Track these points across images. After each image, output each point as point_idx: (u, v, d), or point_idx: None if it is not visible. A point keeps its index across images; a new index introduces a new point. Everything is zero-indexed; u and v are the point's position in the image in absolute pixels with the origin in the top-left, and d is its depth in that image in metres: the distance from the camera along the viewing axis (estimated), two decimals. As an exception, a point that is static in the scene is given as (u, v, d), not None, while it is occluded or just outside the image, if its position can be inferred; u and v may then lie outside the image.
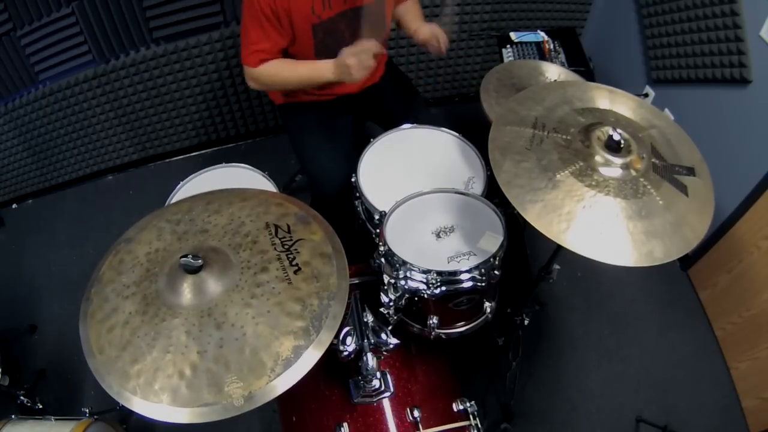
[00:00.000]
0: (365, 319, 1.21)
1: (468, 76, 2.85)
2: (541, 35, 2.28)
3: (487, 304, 1.36)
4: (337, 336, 1.03)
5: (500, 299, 1.42)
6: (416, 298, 1.29)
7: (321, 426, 1.30)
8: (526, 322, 1.70)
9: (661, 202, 1.11)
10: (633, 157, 1.14)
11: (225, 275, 0.99)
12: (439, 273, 1.22)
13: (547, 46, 2.24)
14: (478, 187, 1.49)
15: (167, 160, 2.73)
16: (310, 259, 1.04)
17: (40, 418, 1.58)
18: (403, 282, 1.25)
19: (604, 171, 1.13)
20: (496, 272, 1.25)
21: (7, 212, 2.64)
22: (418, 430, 1.24)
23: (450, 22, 1.67)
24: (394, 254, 1.26)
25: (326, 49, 1.58)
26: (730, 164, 1.83)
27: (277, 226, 1.09)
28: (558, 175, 1.12)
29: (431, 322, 1.32)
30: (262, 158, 2.36)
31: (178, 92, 2.43)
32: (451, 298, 1.27)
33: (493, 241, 1.29)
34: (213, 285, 0.98)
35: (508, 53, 2.22)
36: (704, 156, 1.25)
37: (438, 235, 1.33)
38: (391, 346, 1.20)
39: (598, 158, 1.14)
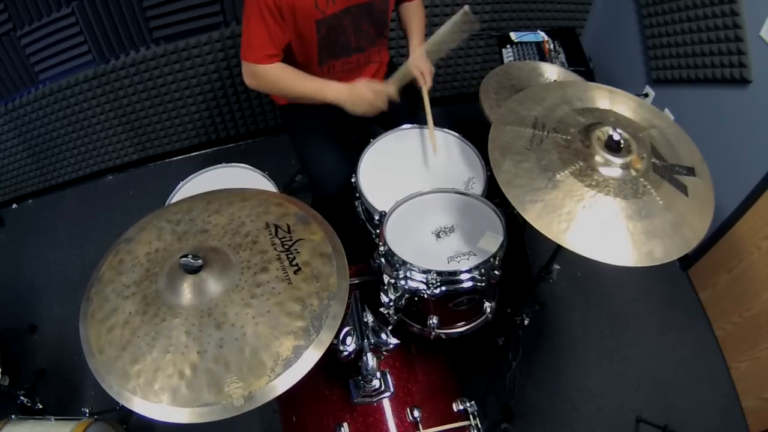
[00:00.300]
0: (365, 319, 1.21)
1: (468, 76, 2.85)
2: (541, 35, 2.28)
3: (487, 304, 1.36)
4: (337, 336, 1.03)
5: (500, 299, 1.42)
6: (416, 298, 1.29)
7: (321, 426, 1.29)
8: (526, 322, 1.70)
9: (661, 202, 1.11)
10: (633, 157, 1.14)
11: (225, 275, 0.99)
12: (439, 273, 1.22)
13: (547, 46, 2.24)
14: (478, 187, 1.49)
15: (167, 160, 2.73)
16: (310, 259, 1.04)
17: (40, 418, 1.58)
18: (403, 282, 1.25)
19: (604, 171, 1.13)
20: (496, 272, 1.25)
21: (7, 212, 2.64)
22: (418, 430, 1.24)
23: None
24: (394, 254, 1.26)
25: (329, 45, 1.58)
26: (730, 164, 1.83)
27: (277, 226, 1.09)
28: (558, 175, 1.12)
29: (431, 322, 1.32)
30: (262, 158, 2.36)
31: (178, 92, 2.43)
32: (451, 298, 1.27)
33: (493, 241, 1.29)
34: (213, 285, 0.98)
35: (508, 53, 2.22)
36: (704, 156, 1.24)
37: (438, 235, 1.33)
38: (391, 346, 1.20)
39: (598, 158, 1.14)
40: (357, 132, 2.08)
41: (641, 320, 2.14)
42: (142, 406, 0.88)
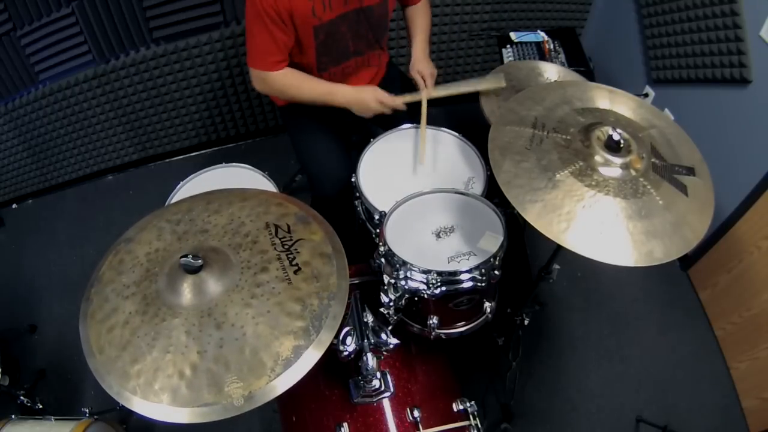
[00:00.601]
0: (365, 319, 1.21)
1: (468, 76, 2.85)
2: (541, 35, 2.28)
3: (487, 304, 1.36)
4: (337, 336, 1.03)
5: (500, 299, 1.42)
6: (416, 298, 1.29)
7: (321, 426, 1.30)
8: (526, 322, 1.70)
9: (661, 202, 1.11)
10: (633, 157, 1.14)
11: (225, 275, 0.99)
12: (439, 273, 1.22)
13: (547, 46, 2.23)
14: (478, 187, 1.49)
15: (167, 160, 2.73)
16: (310, 259, 1.04)
17: (40, 418, 1.58)
18: (403, 282, 1.25)
19: (604, 171, 1.14)
20: (496, 272, 1.25)
21: (7, 212, 2.64)
22: (418, 430, 1.24)
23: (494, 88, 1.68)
24: (394, 254, 1.26)
25: (327, 51, 1.58)
26: (730, 164, 1.83)
27: (277, 226, 1.09)
28: (558, 175, 1.12)
29: (431, 322, 1.32)
30: (262, 158, 2.36)
31: (178, 92, 2.43)
32: (451, 298, 1.27)
33: (493, 241, 1.29)
34: (213, 285, 0.98)
35: (508, 53, 2.22)
36: (704, 156, 1.24)
37: (438, 235, 1.33)
38: (391, 346, 1.20)
39: (598, 158, 1.14)
40: (357, 132, 2.08)
41: (641, 320, 2.14)
42: (142, 406, 0.88)
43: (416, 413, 1.25)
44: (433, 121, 1.68)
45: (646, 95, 2.30)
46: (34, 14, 2.03)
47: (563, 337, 2.09)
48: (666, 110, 2.13)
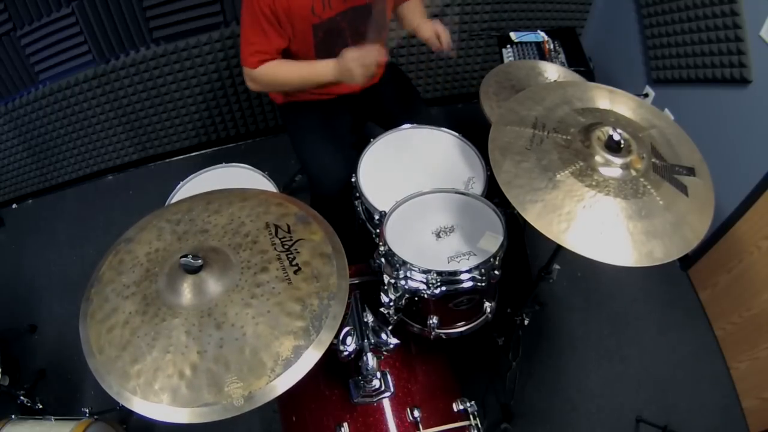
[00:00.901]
0: (365, 319, 1.21)
1: (468, 76, 2.85)
2: (541, 35, 2.28)
3: (487, 304, 1.36)
4: (337, 336, 1.03)
5: (500, 299, 1.42)
6: (416, 298, 1.29)
7: (321, 426, 1.30)
8: (526, 322, 1.70)
9: (661, 202, 1.11)
10: (633, 157, 1.14)
11: (225, 275, 0.99)
12: (439, 273, 1.22)
13: (547, 46, 2.23)
14: (478, 187, 1.49)
15: (167, 160, 2.73)
16: (310, 259, 1.04)
17: (40, 418, 1.58)
18: (403, 282, 1.25)
19: (604, 171, 1.13)
20: (496, 272, 1.25)
21: (7, 212, 2.64)
22: (418, 430, 1.24)
23: (452, 23, 1.66)
24: (394, 254, 1.26)
25: (327, 49, 1.58)
26: (730, 164, 1.83)
27: (277, 226, 1.09)
28: (558, 175, 1.12)
29: (431, 322, 1.32)
30: (262, 158, 2.36)
31: (178, 92, 2.43)
32: (451, 298, 1.27)
33: (493, 241, 1.29)
34: (213, 285, 0.98)
35: (508, 53, 2.22)
36: (704, 156, 1.24)
37: (438, 235, 1.33)
38: (391, 346, 1.20)
39: (598, 158, 1.14)
40: (357, 132, 2.08)
41: (641, 320, 2.14)
42: (142, 406, 0.88)
43: (416, 413, 1.25)
44: (433, 122, 1.69)
45: (646, 95, 2.30)
46: (34, 14, 2.03)
47: (563, 337, 2.09)
48: (666, 110, 2.13)
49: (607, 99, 1.33)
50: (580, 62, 2.20)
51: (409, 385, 1.34)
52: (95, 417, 1.60)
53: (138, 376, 0.90)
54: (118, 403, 0.89)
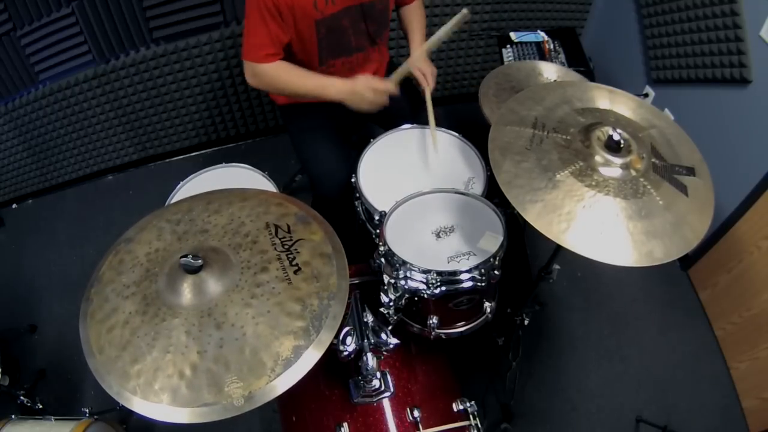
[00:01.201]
0: (365, 319, 1.21)
1: (468, 76, 2.85)
2: (541, 35, 2.28)
3: (487, 304, 1.36)
4: (337, 336, 1.03)
5: (500, 299, 1.42)
6: (416, 298, 1.29)
7: (321, 426, 1.30)
8: (526, 322, 1.70)
9: (661, 202, 1.11)
10: (633, 157, 1.14)
11: (225, 275, 0.99)
12: (439, 273, 1.22)
13: (547, 46, 2.23)
14: (478, 187, 1.49)
15: (167, 160, 2.73)
16: (310, 259, 1.04)
17: (40, 418, 1.58)
18: (403, 282, 1.25)
19: (604, 171, 1.13)
20: (496, 272, 1.25)
21: (7, 212, 2.64)
22: (418, 430, 1.24)
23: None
24: (394, 254, 1.26)
25: (329, 45, 1.58)
26: (730, 164, 1.83)
27: (277, 226, 1.09)
28: (558, 175, 1.12)
29: (431, 322, 1.32)
30: (262, 158, 2.36)
31: (178, 92, 2.43)
32: (451, 298, 1.27)
33: (493, 241, 1.29)
34: (213, 285, 0.98)
35: (508, 53, 2.22)
36: (704, 156, 1.24)
37: (438, 235, 1.33)
38: (391, 346, 1.20)
39: (598, 158, 1.14)
40: (357, 132, 2.08)
41: (641, 320, 2.14)
42: (142, 406, 0.88)
43: (416, 413, 1.25)
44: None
45: (646, 95, 2.30)
46: (34, 14, 2.03)
47: (563, 337, 2.09)
48: (666, 110, 2.13)
49: (607, 99, 1.33)
50: (580, 62, 2.20)
51: (409, 385, 1.34)
52: (95, 417, 1.60)
53: (138, 376, 0.90)
54: (118, 403, 0.89)
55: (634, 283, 2.24)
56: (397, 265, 1.25)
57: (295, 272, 1.01)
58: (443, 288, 1.23)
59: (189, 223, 1.11)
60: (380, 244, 1.30)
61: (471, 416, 1.30)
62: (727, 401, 1.94)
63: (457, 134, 1.64)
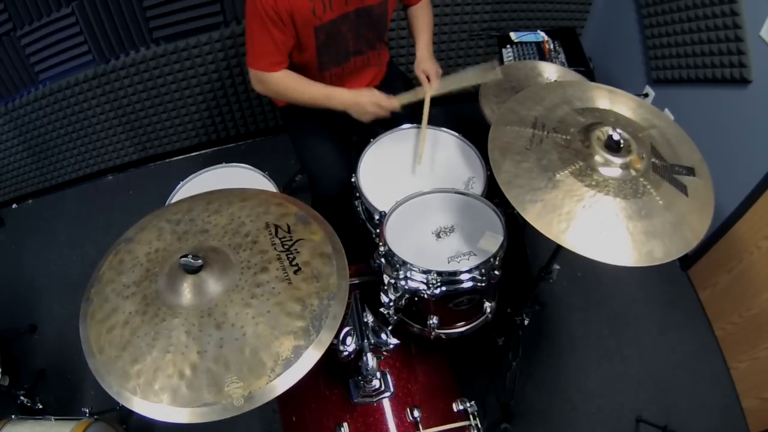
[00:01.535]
0: (365, 319, 1.21)
1: (468, 76, 2.85)
2: (541, 35, 2.28)
3: (487, 304, 1.36)
4: (337, 336, 1.03)
5: (500, 299, 1.42)
6: (416, 298, 1.29)
7: (321, 426, 1.30)
8: (526, 322, 1.70)
9: (661, 202, 1.11)
10: (633, 157, 1.14)
11: (225, 275, 0.99)
12: (439, 273, 1.22)
13: (547, 46, 2.23)
14: (478, 187, 1.49)
15: (167, 160, 2.73)
16: (310, 259, 1.04)
17: (40, 418, 1.58)
18: (403, 282, 1.25)
19: (604, 171, 1.13)
20: (496, 272, 1.25)
21: (7, 212, 2.64)
22: (418, 430, 1.24)
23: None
24: (394, 254, 1.26)
25: (328, 51, 1.58)
26: (730, 164, 1.83)
27: (277, 226, 1.09)
28: (558, 175, 1.12)
29: (431, 322, 1.32)
30: (262, 158, 2.36)
31: (178, 92, 2.43)
32: (451, 298, 1.27)
33: (493, 241, 1.29)
34: (213, 285, 0.98)
35: (508, 53, 2.22)
36: (704, 156, 1.24)
37: (438, 235, 1.33)
38: (391, 346, 1.20)
39: (598, 158, 1.14)
40: (357, 132, 2.08)
41: (641, 320, 2.14)
42: (142, 406, 0.88)
43: (416, 413, 1.25)
44: (433, 121, 1.68)
45: (646, 95, 2.30)
46: (34, 14, 2.03)
47: (563, 337, 2.09)
48: (666, 110, 2.13)
49: (607, 99, 1.33)
50: (580, 62, 2.20)
51: (409, 385, 1.34)
52: (95, 417, 1.60)
53: (138, 376, 0.90)
54: (118, 403, 0.89)
55: (634, 283, 2.24)
56: (397, 265, 1.25)
57: (295, 272, 1.01)
58: (443, 288, 1.23)
59: (189, 223, 1.11)
60: (380, 244, 1.30)
61: (471, 416, 1.30)
62: (727, 401, 1.94)
63: (457, 134, 1.64)
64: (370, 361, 1.17)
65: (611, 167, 1.14)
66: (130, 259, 1.06)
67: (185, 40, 2.22)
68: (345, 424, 1.25)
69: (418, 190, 1.41)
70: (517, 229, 1.61)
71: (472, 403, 1.33)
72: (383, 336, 1.20)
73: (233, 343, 0.92)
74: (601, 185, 1.11)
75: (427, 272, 1.23)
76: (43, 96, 2.27)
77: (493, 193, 1.43)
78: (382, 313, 1.30)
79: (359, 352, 1.18)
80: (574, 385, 1.97)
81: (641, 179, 1.13)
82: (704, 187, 1.18)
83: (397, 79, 1.93)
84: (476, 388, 1.87)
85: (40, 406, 1.86)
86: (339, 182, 1.69)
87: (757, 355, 1.85)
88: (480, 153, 1.57)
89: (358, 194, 1.53)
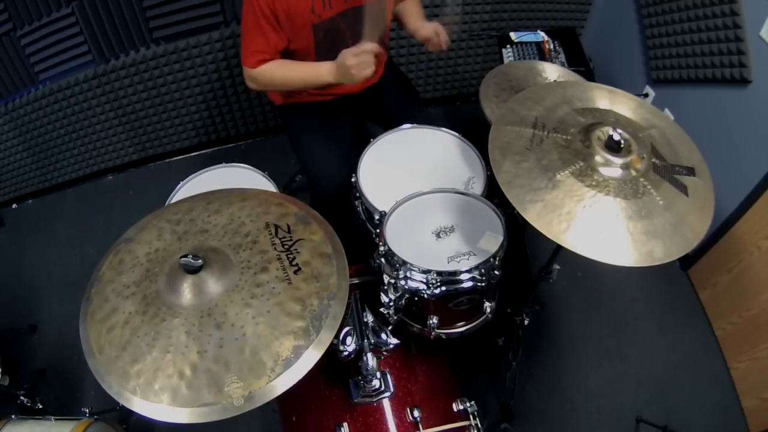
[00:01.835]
0: (365, 319, 1.21)
1: (468, 76, 2.85)
2: (541, 35, 2.28)
3: (487, 304, 1.36)
4: (337, 336, 1.03)
5: (500, 299, 1.42)
6: (416, 298, 1.29)
7: (321, 426, 1.30)
8: (526, 322, 1.70)
9: (661, 202, 1.11)
10: (633, 157, 1.14)
11: (225, 275, 0.99)
12: (439, 273, 1.22)
13: (547, 46, 2.23)
14: (478, 187, 1.49)
15: (167, 160, 2.73)
16: (310, 259, 1.04)
17: (40, 418, 1.58)
18: (403, 282, 1.25)
19: (604, 171, 1.13)
20: (496, 272, 1.25)
21: (7, 212, 2.64)
22: (418, 430, 1.24)
23: (452, 21, 1.66)
24: (394, 254, 1.26)
25: (327, 49, 1.58)
26: (730, 164, 1.83)
27: (277, 226, 1.09)
28: (558, 175, 1.12)
29: (431, 322, 1.32)
30: (262, 158, 2.36)
31: (178, 92, 2.43)
32: (451, 298, 1.27)
33: (493, 241, 1.29)
34: (213, 285, 0.98)
35: (508, 53, 2.22)
36: (704, 156, 1.24)
37: (438, 235, 1.33)
38: (391, 346, 1.20)
39: (598, 158, 1.14)
40: (357, 132, 2.08)
41: (641, 320, 2.14)
42: (142, 406, 0.88)
43: (416, 413, 1.25)
44: (433, 122, 1.69)
45: (646, 95, 2.30)
46: (34, 14, 2.03)
47: (563, 337, 2.09)
48: (666, 110, 2.13)
49: (607, 99, 1.33)
50: (580, 62, 2.20)
51: (409, 385, 1.34)
52: (95, 417, 1.60)
53: (138, 376, 0.90)
54: (118, 403, 0.89)
55: (634, 283, 2.24)
56: (397, 265, 1.25)
57: (295, 272, 1.01)
58: (443, 288, 1.23)
59: (189, 223, 1.11)
60: (380, 244, 1.30)
61: (471, 416, 1.30)
62: (727, 401, 1.94)
63: (457, 134, 1.64)
64: (370, 361, 1.17)
65: (611, 167, 1.14)
66: (130, 259, 1.06)
67: (185, 40, 2.22)
68: (345, 424, 1.25)
69: (418, 190, 1.41)
70: (517, 229, 1.60)
71: (472, 403, 1.33)
72: (383, 336, 1.20)
73: (233, 343, 0.92)
74: (601, 185, 1.11)
75: (427, 272, 1.23)
76: (43, 96, 2.27)
77: (493, 193, 1.43)
78: (382, 313, 1.30)
79: (359, 352, 1.18)
80: (574, 385, 1.97)
81: (641, 179, 1.13)
82: (704, 187, 1.18)
83: (397, 79, 1.93)
84: (476, 388, 1.87)
85: (40, 406, 1.86)
86: (338, 182, 1.69)
87: (757, 355, 1.85)
88: (480, 153, 1.57)
89: (357, 194, 1.53)
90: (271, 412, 1.78)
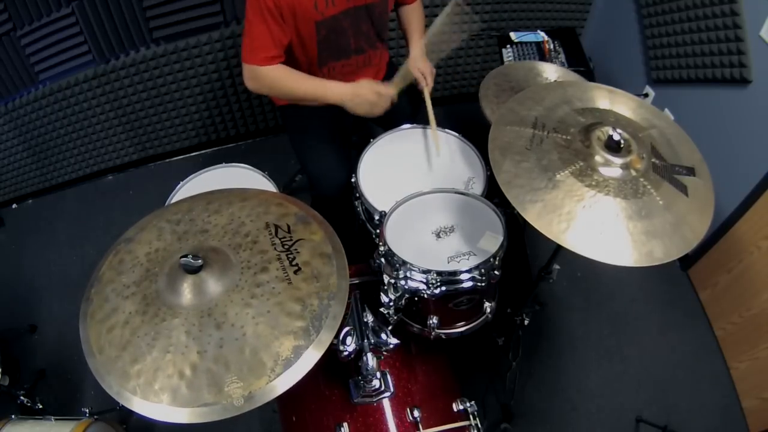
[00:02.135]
0: (365, 319, 1.21)
1: (468, 76, 2.85)
2: (541, 35, 2.28)
3: (487, 304, 1.36)
4: (337, 336, 1.03)
5: (500, 299, 1.42)
6: (416, 298, 1.29)
7: (321, 426, 1.30)
8: (526, 322, 1.70)
9: (661, 202, 1.11)
10: (633, 157, 1.14)
11: (225, 275, 0.99)
12: (439, 273, 1.22)
13: (547, 46, 2.23)
14: (478, 187, 1.49)
15: (167, 160, 2.73)
16: (310, 259, 1.04)
17: (40, 418, 1.58)
18: (403, 282, 1.25)
19: (604, 171, 1.13)
20: (496, 272, 1.25)
21: (7, 212, 2.64)
22: (418, 430, 1.24)
23: (457, 39, 1.66)
24: (394, 254, 1.26)
25: (329, 47, 1.58)
26: (730, 164, 1.83)
27: (277, 226, 1.09)
28: (558, 175, 1.12)
29: (431, 322, 1.32)
30: (262, 158, 2.36)
31: (178, 92, 2.43)
32: (451, 298, 1.27)
33: (493, 241, 1.29)
34: (213, 285, 0.98)
35: (508, 53, 2.22)
36: (704, 156, 1.24)
37: (438, 235, 1.33)
38: (391, 346, 1.20)
39: (598, 158, 1.14)
40: (357, 132, 2.08)
41: (641, 320, 2.14)
42: (142, 406, 0.88)
43: (416, 413, 1.25)
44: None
45: (646, 95, 2.30)
46: (34, 14, 2.03)
47: (563, 337, 2.09)
48: (666, 110, 2.13)
49: (607, 99, 1.33)
50: (580, 62, 2.20)
51: (409, 385, 1.34)
52: (95, 417, 1.60)
53: (138, 376, 0.90)
54: (118, 403, 0.89)
55: (634, 283, 2.24)
56: (397, 265, 1.25)
57: (295, 272, 1.01)
58: (443, 288, 1.23)
59: (189, 223, 1.11)
60: (380, 244, 1.30)
61: (471, 416, 1.30)
62: (727, 401, 1.94)
63: (457, 134, 1.64)
64: (370, 361, 1.17)
65: (611, 167, 1.14)
66: (130, 259, 1.06)
67: (185, 40, 2.22)
68: (345, 424, 1.25)
69: (418, 190, 1.41)
70: (517, 229, 1.61)
71: (472, 403, 1.33)
72: (383, 336, 1.20)
73: (233, 343, 0.92)
74: (601, 185, 1.11)
75: (427, 272, 1.23)
76: (43, 96, 2.27)
77: (493, 193, 1.43)
78: (382, 313, 1.30)
79: (359, 352, 1.18)
80: (574, 385, 1.97)
81: (641, 179, 1.13)
82: (704, 187, 1.18)
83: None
84: (476, 388, 1.87)
85: (40, 406, 1.86)
86: (338, 182, 1.69)
87: (757, 355, 1.85)
88: (480, 153, 1.57)
89: (358, 194, 1.53)
90: (271, 412, 1.78)
